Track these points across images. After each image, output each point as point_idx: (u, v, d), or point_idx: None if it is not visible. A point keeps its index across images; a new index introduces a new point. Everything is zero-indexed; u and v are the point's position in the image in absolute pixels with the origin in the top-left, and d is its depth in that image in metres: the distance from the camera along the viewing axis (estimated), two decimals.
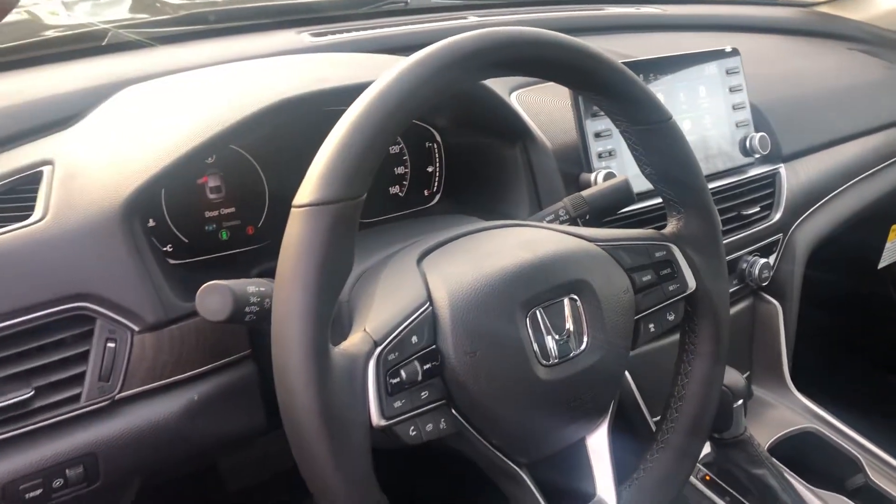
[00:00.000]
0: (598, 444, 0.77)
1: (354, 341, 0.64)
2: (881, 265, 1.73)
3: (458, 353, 0.66)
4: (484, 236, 0.77)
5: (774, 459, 1.08)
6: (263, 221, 1.00)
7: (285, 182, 1.00)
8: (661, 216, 1.14)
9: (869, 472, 1.17)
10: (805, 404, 1.29)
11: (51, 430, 0.73)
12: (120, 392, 0.76)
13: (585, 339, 0.73)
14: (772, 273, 1.29)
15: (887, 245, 1.71)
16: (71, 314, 0.75)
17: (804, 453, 1.22)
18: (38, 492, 0.72)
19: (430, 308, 0.67)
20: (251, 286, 0.69)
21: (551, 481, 0.74)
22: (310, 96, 0.87)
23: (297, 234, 0.60)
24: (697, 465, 1.13)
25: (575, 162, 1.11)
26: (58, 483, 0.73)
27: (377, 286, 0.71)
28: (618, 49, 1.34)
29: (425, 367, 0.65)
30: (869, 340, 1.83)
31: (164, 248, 0.91)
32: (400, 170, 1.09)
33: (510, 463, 0.71)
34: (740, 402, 1.04)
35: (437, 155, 1.11)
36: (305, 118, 0.91)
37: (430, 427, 0.66)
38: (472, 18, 1.45)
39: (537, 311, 0.70)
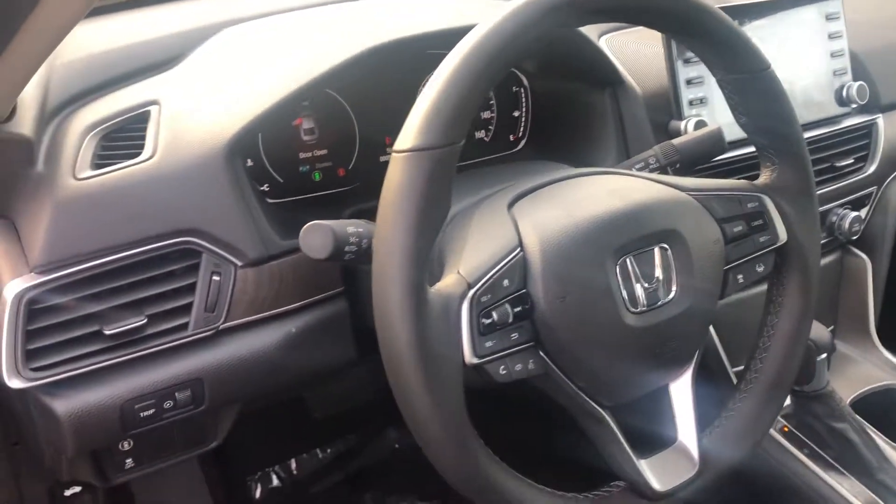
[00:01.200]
0: (682, 391, 0.79)
1: (449, 282, 0.66)
2: None
3: (548, 297, 0.68)
4: (574, 183, 0.78)
5: (856, 414, 1.07)
6: (354, 163, 1.02)
7: (375, 125, 1.02)
8: (750, 166, 1.13)
9: None
10: (890, 360, 1.27)
11: (162, 356, 0.79)
12: (224, 322, 0.81)
13: (674, 287, 0.73)
14: (862, 227, 1.26)
15: None
16: (179, 248, 0.79)
17: (886, 410, 1.20)
18: (151, 411, 0.78)
19: (522, 253, 0.69)
20: (350, 227, 0.71)
21: (633, 425, 0.76)
22: (410, 40, 0.88)
23: (398, 178, 0.62)
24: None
25: (664, 109, 1.10)
26: (168, 404, 0.79)
27: (468, 230, 0.73)
28: None
29: (516, 310, 0.67)
30: None
31: (262, 188, 0.95)
32: (486, 114, 1.10)
33: (594, 405, 0.73)
34: (824, 355, 1.04)
35: (523, 100, 1.12)
36: (397, 61, 0.93)
37: (518, 367, 0.68)
38: None
39: (628, 259, 0.71)
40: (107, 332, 0.75)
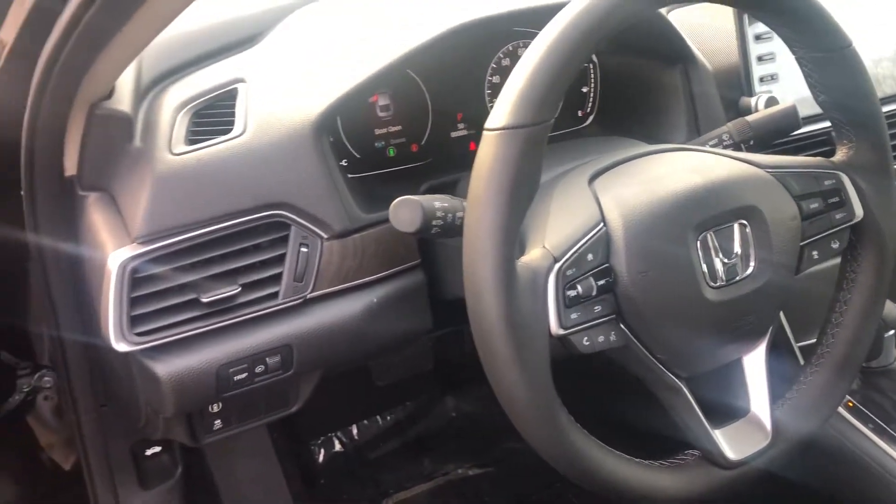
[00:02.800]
0: (755, 364, 0.80)
1: (535, 256, 0.68)
2: None
3: (630, 271, 0.70)
4: (654, 159, 0.79)
5: None
6: (426, 139, 1.05)
7: (447, 101, 1.05)
8: (821, 142, 1.13)
9: None
10: None
11: (254, 323, 0.83)
12: (311, 292, 0.85)
13: (752, 263, 0.75)
14: None
15: None
16: (269, 221, 0.83)
17: None
18: (244, 375, 0.82)
19: (605, 228, 0.71)
20: (437, 202, 0.74)
21: (707, 396, 0.78)
22: (496, 18, 0.90)
23: (490, 155, 0.65)
24: None
25: (734, 85, 1.11)
26: (259, 369, 0.83)
27: (550, 205, 0.75)
28: None
29: (599, 283, 0.69)
30: None
31: (341, 164, 0.98)
32: None
33: (672, 376, 0.75)
34: (892, 332, 1.04)
35: (592, 76, 1.13)
36: (471, 39, 0.95)
37: (601, 338, 0.70)
38: None
39: (708, 235, 0.73)
40: (203, 300, 0.79)
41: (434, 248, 0.92)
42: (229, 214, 0.81)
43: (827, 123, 1.14)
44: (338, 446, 1.66)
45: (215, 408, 0.89)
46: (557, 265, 0.68)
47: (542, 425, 0.68)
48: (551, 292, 0.67)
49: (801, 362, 1.08)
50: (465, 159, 1.04)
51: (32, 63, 0.74)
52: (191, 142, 0.84)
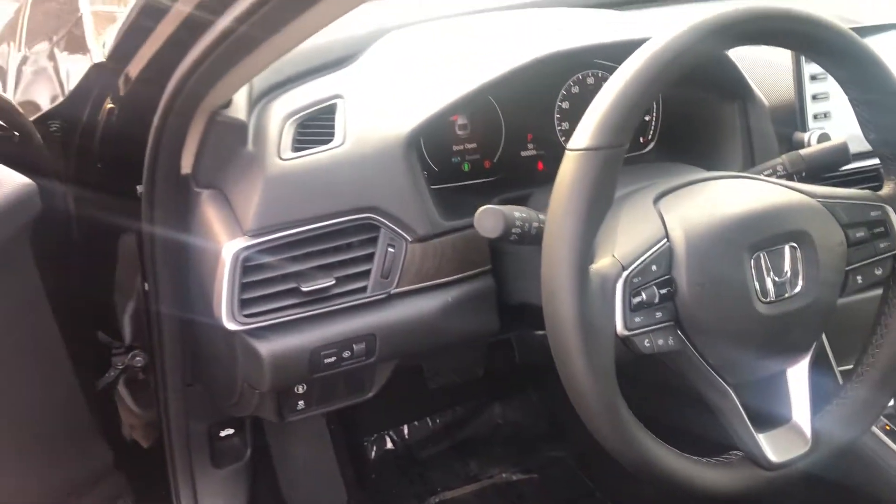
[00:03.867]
0: (798, 376, 0.87)
1: (605, 263, 0.77)
2: None
3: (689, 283, 0.78)
4: (715, 184, 0.87)
5: None
6: (499, 157, 1.14)
7: (519, 122, 1.14)
8: (870, 178, 1.20)
9: None
10: None
11: (345, 313, 0.93)
12: (395, 288, 0.94)
13: (800, 282, 0.83)
14: None
15: None
16: (362, 222, 0.93)
17: None
18: (333, 359, 0.92)
19: (668, 243, 0.79)
20: (517, 212, 0.83)
21: (753, 402, 0.85)
22: (577, 51, 1.00)
23: (572, 172, 0.73)
24: None
25: (788, 121, 1.18)
26: (346, 354, 0.93)
27: (619, 220, 0.83)
28: (837, 11, 1.36)
29: (661, 292, 0.78)
30: None
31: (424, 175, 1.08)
32: None
33: (721, 381, 0.83)
34: None
35: (655, 105, 1.21)
36: (548, 68, 1.04)
37: (660, 342, 0.78)
38: None
39: (761, 255, 0.81)
40: (303, 289, 0.89)
41: (503, 256, 1.01)
42: (329, 215, 0.91)
43: (875, 161, 1.20)
44: (389, 444, 1.75)
45: (300, 389, 0.99)
46: (625, 273, 0.76)
47: (605, 414, 0.76)
48: (619, 296, 0.75)
49: (841, 382, 1.14)
50: (532, 176, 1.14)
51: (162, 82, 0.85)
52: (296, 149, 0.94)
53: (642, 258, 0.77)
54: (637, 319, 0.76)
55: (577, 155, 0.74)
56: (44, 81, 1.21)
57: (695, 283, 0.78)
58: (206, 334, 1.01)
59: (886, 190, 0.91)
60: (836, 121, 1.17)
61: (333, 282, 0.91)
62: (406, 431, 1.76)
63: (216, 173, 0.95)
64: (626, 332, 0.76)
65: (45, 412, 1.06)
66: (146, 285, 1.08)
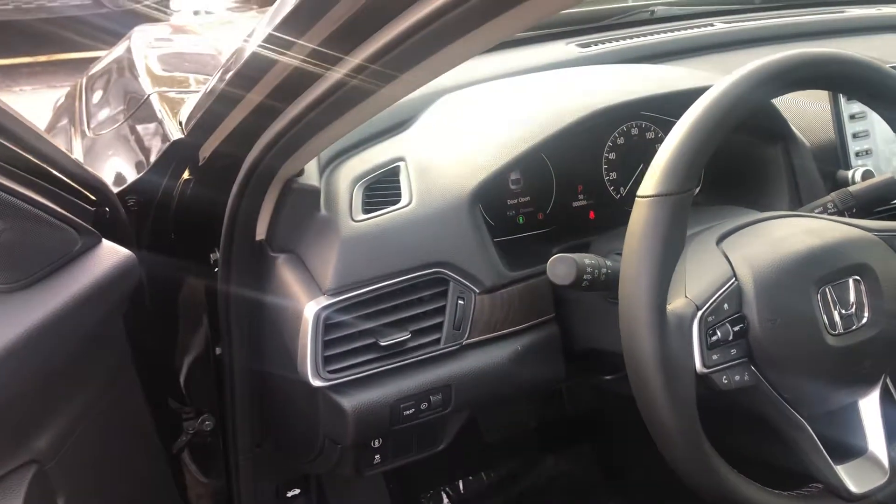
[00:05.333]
0: (871, 407, 0.89)
1: (680, 304, 0.80)
2: None
3: (761, 319, 0.81)
4: (773, 224, 0.91)
5: None
6: (551, 209, 1.18)
7: (569, 175, 1.18)
8: None
9: None
10: None
11: (421, 365, 0.96)
12: (467, 339, 0.98)
13: (866, 314, 0.85)
14: None
15: None
16: (432, 277, 0.97)
17: None
18: (412, 411, 0.95)
19: (737, 282, 0.82)
20: (587, 259, 0.87)
21: (828, 434, 0.87)
22: (622, 105, 1.04)
23: (643, 219, 0.77)
24: None
25: (831, 160, 1.22)
26: (424, 405, 0.96)
27: (686, 262, 0.87)
28: (865, 52, 1.41)
29: (735, 329, 0.80)
30: None
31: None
32: None
33: (797, 414, 0.85)
34: None
35: None
36: (595, 123, 1.09)
37: (737, 378, 0.81)
38: (718, 25, 1.56)
39: (827, 289, 0.84)
40: (381, 344, 0.93)
41: (567, 303, 1.05)
42: (401, 271, 0.95)
43: None
44: (446, 500, 1.75)
45: (376, 443, 1.02)
46: (700, 312, 0.79)
47: (689, 452, 0.78)
48: (695, 335, 0.78)
49: None
50: (585, 225, 1.18)
51: (240, 155, 0.90)
52: (367, 211, 0.99)
53: (714, 297, 0.81)
54: (714, 357, 0.79)
55: (648, 202, 0.78)
56: (114, 159, 1.27)
57: (766, 319, 0.81)
58: (284, 393, 1.04)
59: None
60: (878, 157, 1.21)
61: (409, 335, 0.94)
62: (461, 487, 1.77)
63: (291, 238, 0.99)
64: (705, 370, 0.79)
65: (131, 481, 1.09)
66: (217, 349, 1.12)
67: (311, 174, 1.00)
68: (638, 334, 0.76)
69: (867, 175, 1.17)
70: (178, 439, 1.27)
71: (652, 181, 0.78)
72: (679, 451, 0.79)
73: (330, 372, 0.91)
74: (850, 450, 0.89)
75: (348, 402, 0.93)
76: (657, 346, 0.76)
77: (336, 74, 0.67)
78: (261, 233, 1.00)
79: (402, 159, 1.07)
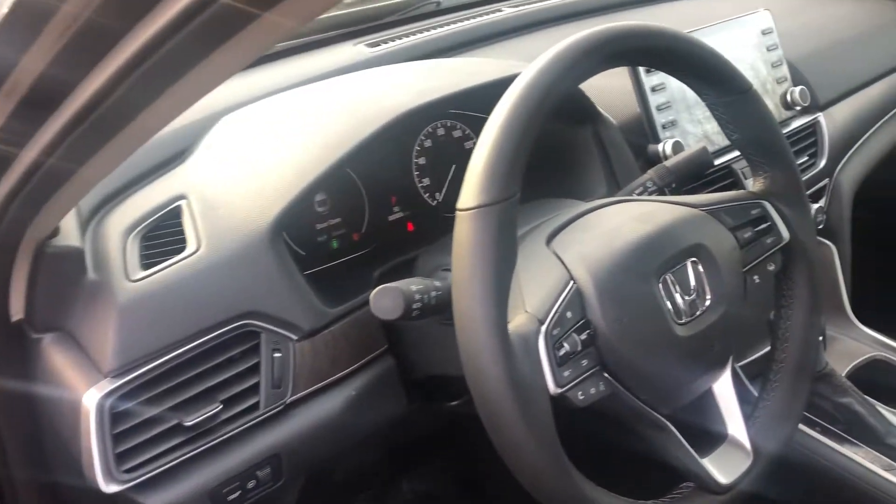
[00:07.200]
0: (725, 389, 0.85)
1: (521, 321, 0.71)
2: None
3: (607, 321, 0.74)
4: (600, 213, 0.84)
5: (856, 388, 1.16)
6: (366, 227, 1.07)
7: (380, 188, 1.07)
8: (726, 175, 1.23)
9: None
10: (869, 334, 1.37)
11: (240, 438, 0.81)
12: (291, 396, 0.84)
13: (709, 296, 0.81)
14: (825, 216, 1.38)
15: None
16: (239, 332, 0.82)
17: (875, 379, 1.30)
18: (237, 494, 0.80)
19: (575, 285, 0.75)
20: (413, 285, 0.76)
21: (689, 427, 0.82)
22: (428, 105, 0.94)
23: (468, 234, 0.67)
24: None
25: (640, 134, 1.19)
26: (251, 484, 0.81)
27: (518, 271, 0.78)
28: (655, 22, 1.41)
29: (582, 338, 0.73)
30: None
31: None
32: None
33: (657, 414, 0.79)
34: (820, 338, 1.13)
35: None
36: (400, 127, 0.98)
37: (592, 390, 0.73)
38: (507, 10, 1.51)
39: (667, 276, 0.78)
40: (187, 424, 0.77)
41: (400, 333, 0.94)
42: (198, 333, 0.80)
43: (724, 159, 1.24)
44: None
45: None
46: (544, 327, 0.71)
47: (554, 482, 0.70)
48: (543, 354, 0.70)
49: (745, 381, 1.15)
50: (405, 239, 1.08)
51: None
52: (146, 266, 0.83)
53: (556, 307, 0.72)
54: (566, 373, 0.71)
55: (471, 215, 0.68)
56: None
57: (612, 320, 0.74)
58: (78, 501, 0.86)
59: (759, 186, 0.91)
60: (683, 127, 1.20)
61: (220, 406, 0.79)
62: None
63: (57, 313, 0.81)
64: (559, 390, 0.70)
65: None
66: None
67: (69, 233, 0.82)
68: (482, 365, 0.67)
69: (677, 147, 1.15)
70: None
71: (471, 191, 0.68)
72: (543, 483, 0.70)
73: (126, 471, 0.75)
74: (713, 438, 0.85)
75: (157, 501, 0.76)
76: (505, 374, 0.66)
77: (82, 95, 0.52)
78: (17, 312, 0.81)
79: (182, 197, 0.92)
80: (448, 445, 1.71)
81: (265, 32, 0.46)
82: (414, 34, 1.40)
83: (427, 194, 1.10)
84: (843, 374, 1.29)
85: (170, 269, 0.82)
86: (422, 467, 1.76)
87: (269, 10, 0.43)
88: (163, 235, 0.87)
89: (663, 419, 0.79)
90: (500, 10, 1.51)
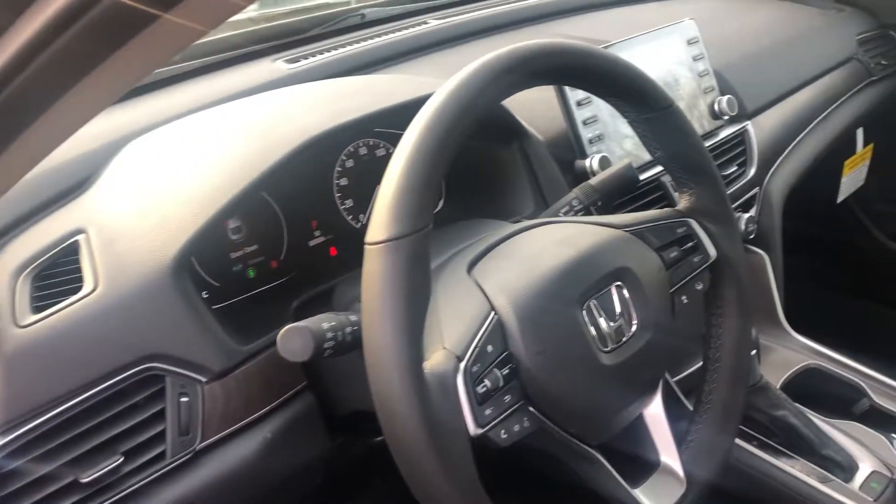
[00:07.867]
0: (655, 415, 0.83)
1: (439, 359, 0.67)
2: (839, 199, 1.83)
3: (529, 353, 0.70)
4: (522, 238, 0.81)
5: (791, 400, 1.15)
6: (285, 253, 1.02)
7: (299, 211, 1.02)
8: (654, 189, 1.21)
9: (873, 396, 1.25)
10: (804, 343, 1.37)
11: (146, 491, 0.75)
12: (201, 443, 0.79)
13: (635, 321, 0.78)
14: (756, 226, 1.37)
15: (843, 180, 1.81)
16: (141, 376, 0.77)
17: (810, 388, 1.30)
18: None
19: (496, 316, 0.71)
20: (324, 322, 0.71)
21: (620, 458, 0.79)
22: (348, 125, 0.90)
23: (378, 269, 0.63)
24: None
25: (567, 150, 1.16)
26: None
27: (437, 302, 0.74)
28: (580, 33, 1.39)
29: (503, 373, 0.69)
30: (848, 275, 1.95)
31: (203, 297, 0.93)
32: None
33: (585, 447, 0.76)
34: (754, 351, 1.12)
35: None
36: (318, 148, 0.94)
37: (516, 427, 0.70)
38: (432, 23, 1.48)
39: (591, 303, 0.75)
40: (83, 481, 0.71)
41: (319, 369, 0.89)
42: (96, 380, 0.74)
43: (652, 172, 1.23)
44: None
45: None
46: (462, 364, 0.67)
47: None
48: (462, 393, 0.66)
49: (680, 395, 1.13)
50: (327, 265, 1.03)
51: None
52: (37, 309, 0.77)
53: (475, 342, 0.69)
54: (487, 412, 0.67)
55: (379, 249, 0.64)
56: None
57: (534, 352, 0.71)
58: None
59: (683, 203, 0.89)
60: (610, 142, 1.18)
61: (121, 459, 0.74)
62: None
63: None
64: (480, 430, 0.67)
65: None
66: None
67: None
68: (395, 409, 0.63)
69: (604, 162, 1.13)
70: None
71: (380, 224, 0.64)
72: None
73: None
74: (645, 466, 0.82)
75: None
76: (421, 418, 0.62)
77: None
78: None
79: (81, 231, 0.86)
80: (389, 470, 1.67)
81: (168, 37, 0.43)
82: (337, 48, 1.35)
83: (350, 216, 1.06)
84: (779, 384, 1.29)
85: (63, 311, 0.76)
86: (364, 488, 1.71)
87: (169, 11, 0.40)
88: (57, 274, 0.81)
89: (592, 451, 0.76)
90: (426, 23, 1.48)
